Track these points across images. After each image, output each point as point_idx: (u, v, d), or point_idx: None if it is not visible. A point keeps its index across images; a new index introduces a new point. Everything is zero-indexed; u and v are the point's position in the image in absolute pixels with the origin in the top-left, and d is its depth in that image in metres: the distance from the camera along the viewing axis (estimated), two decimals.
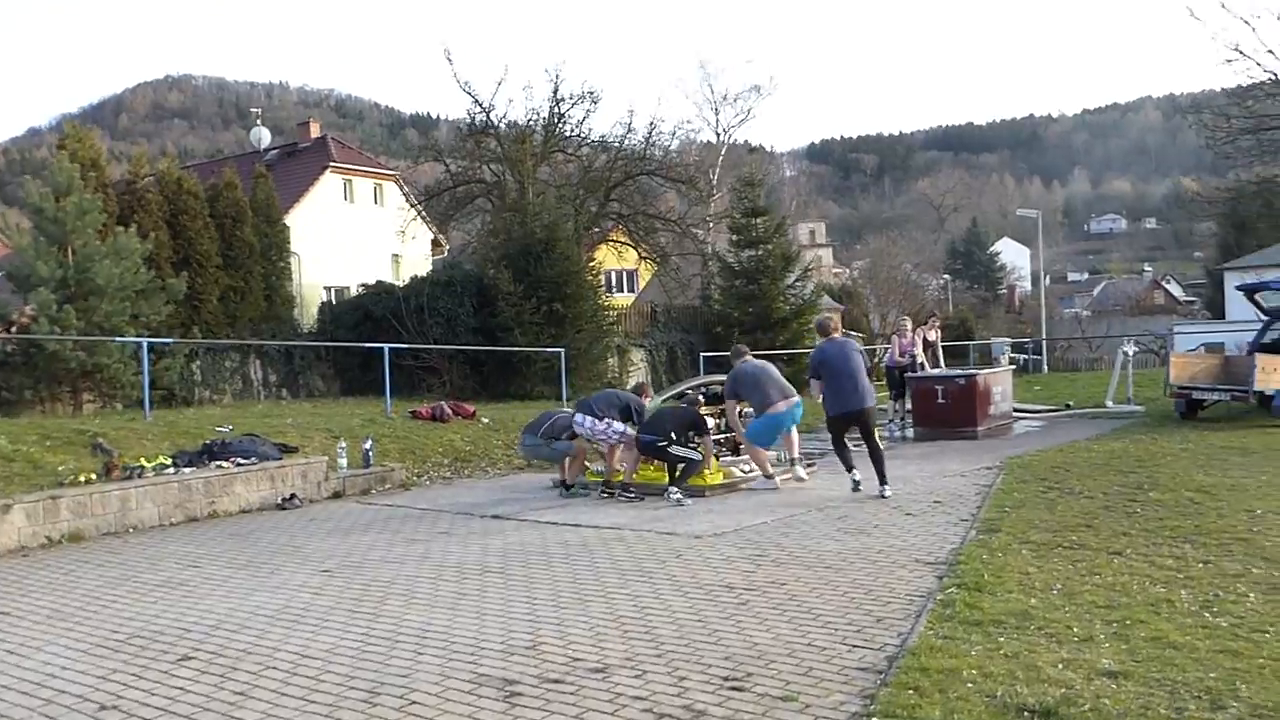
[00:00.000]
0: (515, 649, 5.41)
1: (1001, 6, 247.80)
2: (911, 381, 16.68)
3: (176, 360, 18.62)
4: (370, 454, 12.64)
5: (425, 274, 25.65)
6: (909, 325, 18.29)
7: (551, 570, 7.37)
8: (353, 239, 33.58)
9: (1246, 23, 38.62)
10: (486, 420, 15.96)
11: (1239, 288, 18.72)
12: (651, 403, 12.65)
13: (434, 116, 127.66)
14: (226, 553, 8.66)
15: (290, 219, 28.80)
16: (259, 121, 41.49)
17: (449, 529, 9.43)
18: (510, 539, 8.77)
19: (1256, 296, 17.55)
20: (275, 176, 27.40)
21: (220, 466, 11.07)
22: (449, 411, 15.77)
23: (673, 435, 10.87)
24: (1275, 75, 26.18)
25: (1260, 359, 15.40)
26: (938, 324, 19.18)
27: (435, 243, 37.08)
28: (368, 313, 23.00)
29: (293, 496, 11.32)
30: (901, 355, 17.26)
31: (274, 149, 38.42)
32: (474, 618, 6.10)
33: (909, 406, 16.71)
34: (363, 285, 25.46)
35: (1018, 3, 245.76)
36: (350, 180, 35.70)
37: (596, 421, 11.17)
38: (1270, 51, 29.89)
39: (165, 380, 17.64)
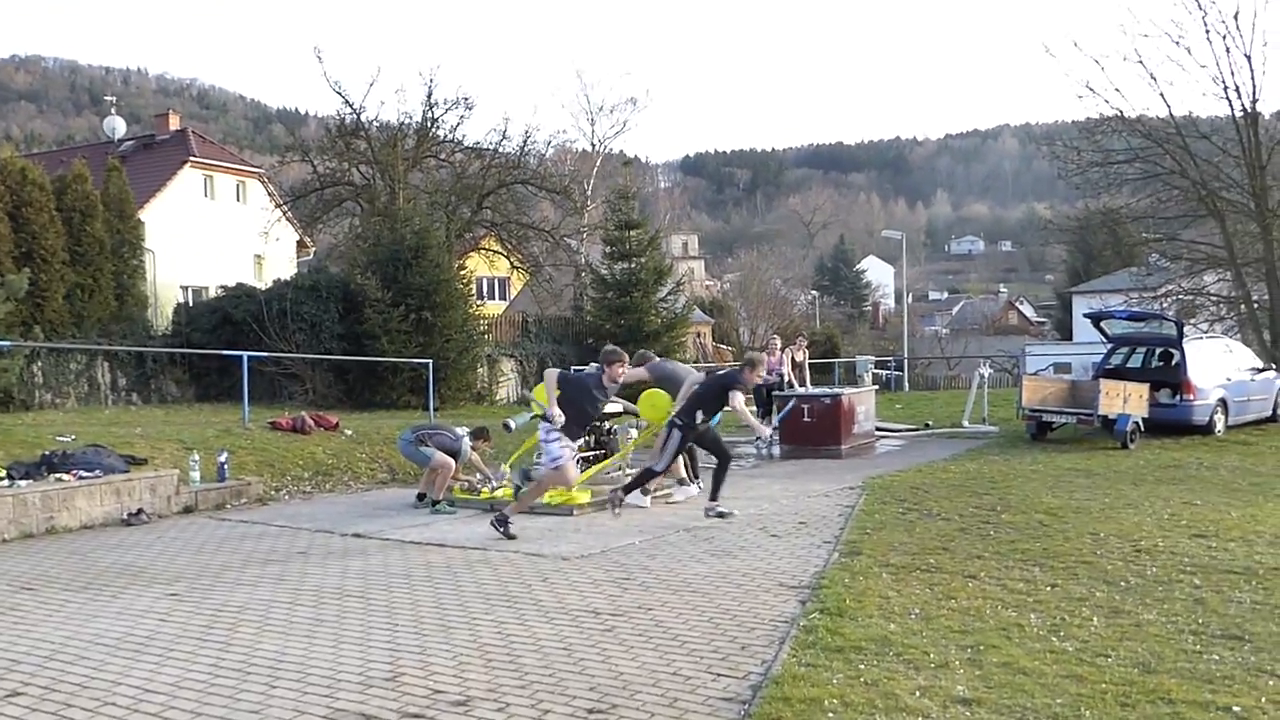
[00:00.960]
0: (374, 680, 5.26)
1: (872, 31, 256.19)
2: (779, 400, 16.99)
3: (15, 361, 17.57)
4: (225, 466, 12.18)
5: (289, 277, 24.89)
6: (778, 343, 18.65)
7: (414, 594, 7.21)
8: (213, 238, 32.41)
9: (1097, 62, 40.45)
10: (350, 432, 15.57)
11: (1086, 315, 19.70)
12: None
13: (302, 112, 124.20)
14: (65, 574, 8.20)
15: (146, 214, 27.62)
16: (114, 110, 39.69)
17: (307, 548, 9.15)
18: (372, 560, 8.55)
19: (1102, 324, 18.51)
20: (130, 169, 26.23)
21: (60, 479, 10.49)
22: (310, 422, 15.32)
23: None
24: (1121, 113, 27.69)
25: (1105, 384, 16.23)
26: (805, 344, 19.67)
27: (301, 244, 36.09)
28: (227, 316, 22.19)
29: (139, 512, 10.80)
30: (769, 373, 17.57)
31: (130, 140, 36.81)
32: (332, 646, 5.91)
33: (775, 424, 17.01)
34: (222, 287, 24.59)
35: (887, 28, 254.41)
36: (211, 176, 34.47)
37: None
38: (1117, 90, 31.62)
39: (2, 382, 16.63)
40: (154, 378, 21.41)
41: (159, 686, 5.24)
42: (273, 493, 12.48)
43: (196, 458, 12.01)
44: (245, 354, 16.56)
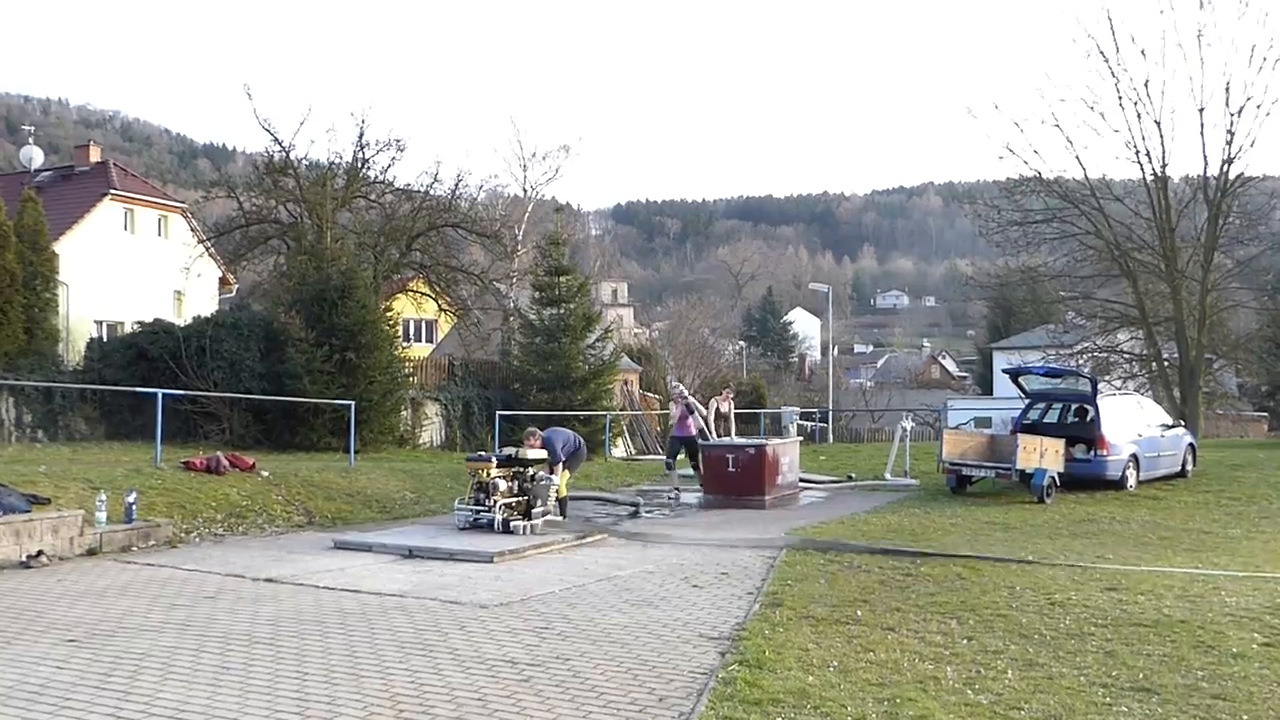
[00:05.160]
0: None
1: (801, 87, 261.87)
2: (703, 449, 17.03)
3: None
4: (134, 507, 11.80)
5: (210, 314, 24.39)
6: (684, 391, 18.56)
7: (326, 642, 7.04)
8: (132, 272, 31.63)
9: (1017, 125, 42.02)
10: (267, 473, 15.22)
11: (1005, 371, 20.14)
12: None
13: (229, 148, 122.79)
14: None
15: (61, 246, 26.88)
16: (31, 139, 38.72)
17: (216, 593, 8.88)
18: (284, 606, 8.33)
19: (1020, 379, 18.92)
20: (47, 201, 25.54)
21: None
22: (225, 463, 14.94)
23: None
24: (1039, 174, 28.58)
25: (1023, 439, 16.57)
26: (730, 395, 19.74)
27: (224, 281, 35.41)
28: (143, 352, 21.63)
29: (39, 554, 10.39)
30: (684, 425, 17.58)
31: (47, 170, 35.86)
32: (237, 695, 5.73)
33: (680, 473, 17.14)
34: (139, 323, 23.96)
35: (817, 85, 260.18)
36: (132, 210, 33.71)
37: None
38: (1036, 152, 32.63)
39: None
40: (62, 414, 20.72)
41: None
42: (183, 535, 12.12)
43: (104, 498, 11.62)
44: (160, 391, 16.15)
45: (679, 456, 17.70)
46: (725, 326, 72.12)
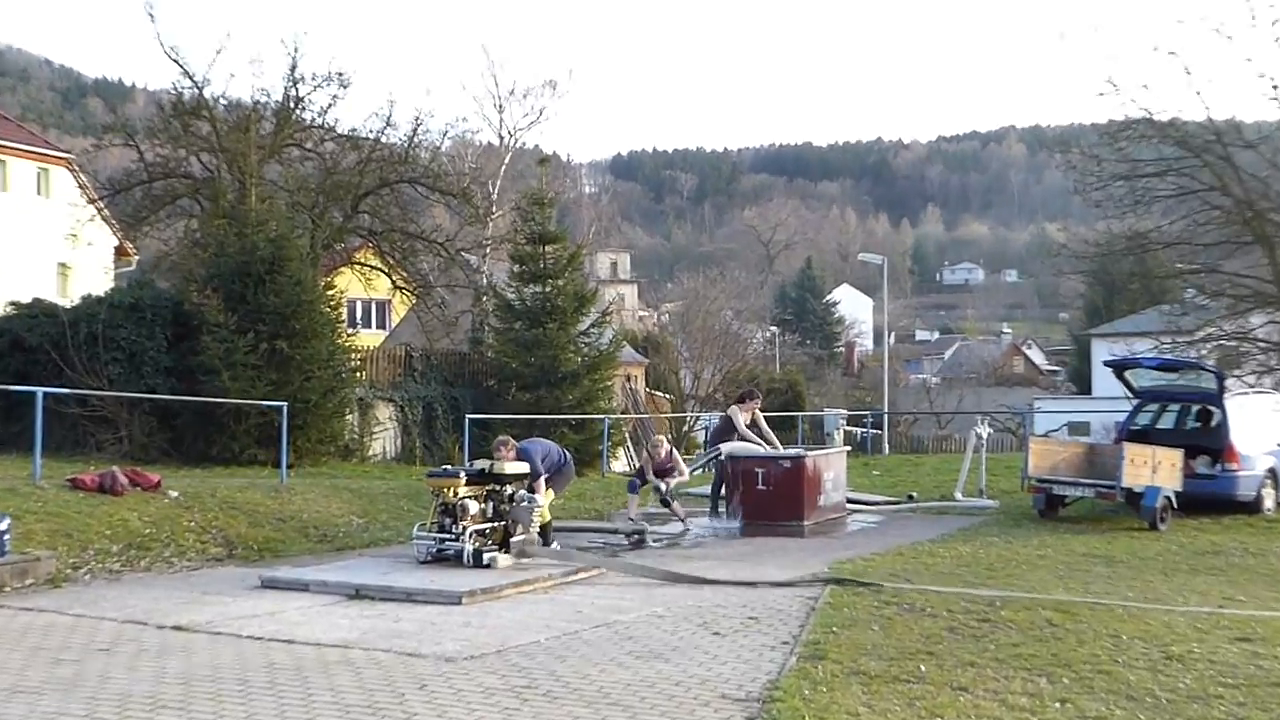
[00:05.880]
0: None
1: (849, 12, 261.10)
2: (731, 463, 17.00)
3: None
4: (6, 537, 11.80)
5: (104, 293, 24.41)
6: (663, 444, 18.16)
7: (250, 706, 7.03)
8: (4, 240, 31.71)
9: (1120, 53, 41.84)
10: (176, 493, 15.22)
11: (1107, 364, 20.10)
12: None
13: (127, 84, 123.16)
14: None
15: None
16: None
17: (111, 645, 8.88)
18: (197, 659, 8.33)
19: (1126, 374, 18.90)
20: None
21: None
22: (124, 480, 14.95)
23: None
24: (1150, 114, 28.41)
25: (1129, 450, 16.53)
26: (756, 405, 19.10)
27: (120, 251, 35.48)
28: (18, 340, 21.67)
29: None
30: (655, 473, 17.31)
31: None
32: None
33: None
34: (13, 303, 23.95)
35: (868, 9, 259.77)
36: (4, 162, 33.80)
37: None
38: (1145, 87, 32.42)
39: None
40: None
41: None
42: (69, 571, 12.10)
43: None
44: (40, 390, 16.15)
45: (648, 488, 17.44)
46: (753, 308, 71.98)
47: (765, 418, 18.89)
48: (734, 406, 18.84)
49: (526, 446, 13.57)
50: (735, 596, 11.07)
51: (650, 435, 28.97)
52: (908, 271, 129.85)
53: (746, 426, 17.99)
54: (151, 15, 45.32)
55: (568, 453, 14.47)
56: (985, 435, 20.96)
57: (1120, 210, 30.78)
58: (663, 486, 16.73)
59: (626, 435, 31.93)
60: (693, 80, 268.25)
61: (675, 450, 18.02)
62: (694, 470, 18.73)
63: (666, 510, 17.05)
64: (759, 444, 17.67)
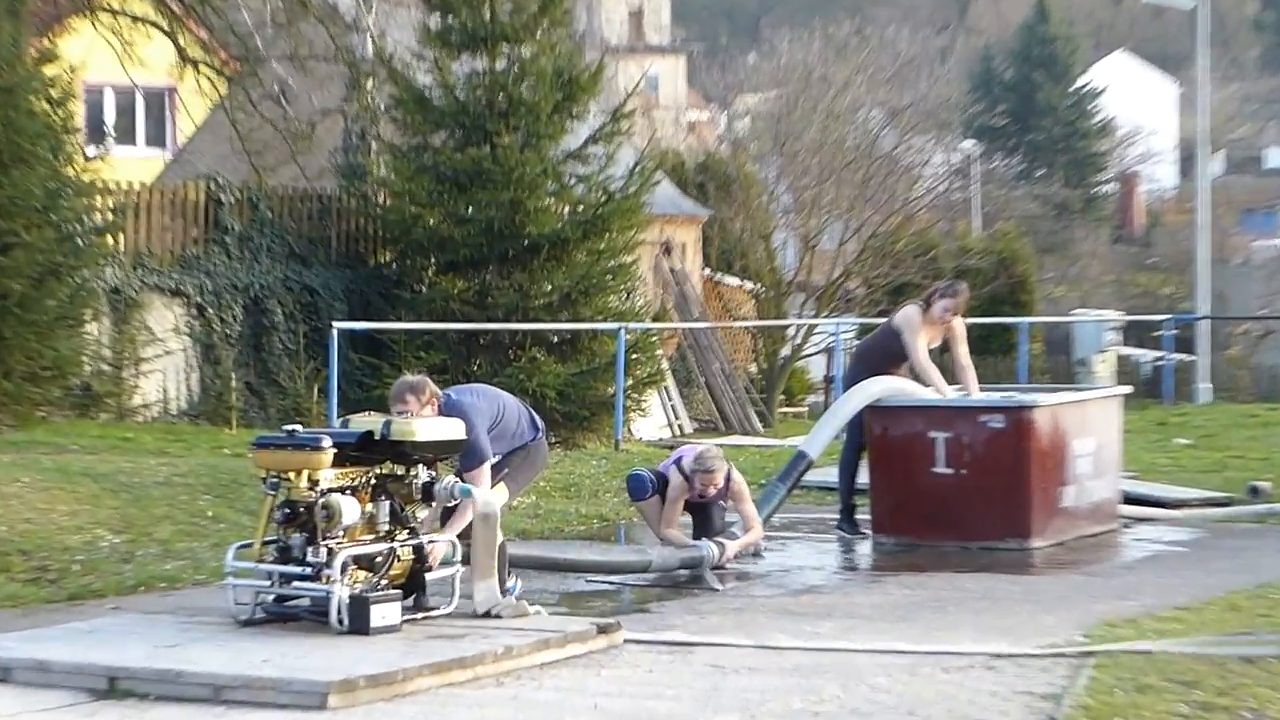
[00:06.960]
0: None
1: None
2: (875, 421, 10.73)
3: None
4: None
5: None
6: (720, 465, 11.32)
7: None
8: None
9: None
10: None
11: None
12: None
13: None
14: None
15: None
16: None
17: None
18: None
19: None
20: None
21: None
22: None
23: None
24: None
25: None
26: (955, 314, 12.04)
27: None
28: None
29: None
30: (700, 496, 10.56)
31: None
32: None
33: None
34: None
35: None
36: None
37: None
38: None
39: None
40: None
41: None
42: None
43: None
44: None
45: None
46: (923, 102, 38.68)
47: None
48: (908, 309, 12.01)
49: (458, 397, 8.06)
50: (888, 684, 6.56)
51: (715, 379, 20.63)
52: (1250, 27, 79.41)
53: (928, 350, 11.55)
54: None
55: (533, 414, 8.35)
56: None
57: None
58: (708, 551, 9.86)
59: (664, 367, 20.65)
60: None
61: (741, 479, 10.94)
62: (767, 514, 11.19)
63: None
64: (940, 387, 11.33)
